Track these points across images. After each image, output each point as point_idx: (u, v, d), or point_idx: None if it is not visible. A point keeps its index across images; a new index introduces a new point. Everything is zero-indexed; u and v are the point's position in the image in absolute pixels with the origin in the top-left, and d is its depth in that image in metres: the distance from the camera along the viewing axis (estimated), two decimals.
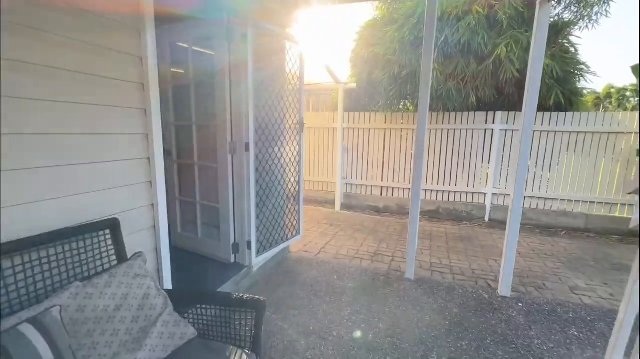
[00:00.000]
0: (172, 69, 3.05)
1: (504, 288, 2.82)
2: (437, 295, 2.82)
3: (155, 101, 1.77)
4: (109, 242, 1.47)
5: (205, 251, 3.09)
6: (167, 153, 3.18)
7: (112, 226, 1.49)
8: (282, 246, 3.29)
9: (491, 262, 3.62)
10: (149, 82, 1.72)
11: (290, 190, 3.41)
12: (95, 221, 1.47)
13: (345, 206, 6.11)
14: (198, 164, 3.02)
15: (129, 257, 1.52)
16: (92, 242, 1.41)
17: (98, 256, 1.43)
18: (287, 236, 3.39)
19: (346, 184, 6.15)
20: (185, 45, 2.85)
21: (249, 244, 2.86)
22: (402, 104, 5.97)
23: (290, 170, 3.33)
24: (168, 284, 1.97)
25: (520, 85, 4.55)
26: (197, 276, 2.71)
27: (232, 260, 2.94)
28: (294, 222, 3.48)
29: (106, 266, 1.45)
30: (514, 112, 4.96)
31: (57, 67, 1.39)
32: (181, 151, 3.20)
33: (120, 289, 1.35)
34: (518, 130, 4.94)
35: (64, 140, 1.44)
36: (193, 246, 3.17)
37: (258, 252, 2.93)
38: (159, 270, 1.91)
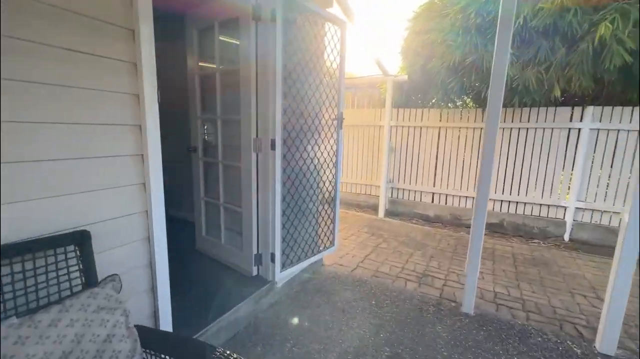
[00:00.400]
0: (200, 62, 2.79)
1: (607, 343, 2.06)
2: (506, 342, 2.16)
3: (151, 85, 1.43)
4: (72, 262, 1.14)
5: (226, 259, 2.77)
6: (193, 150, 2.96)
7: (80, 240, 1.17)
8: (312, 260, 2.86)
9: (579, 299, 2.80)
10: (142, 61, 1.38)
11: (324, 194, 2.96)
12: (57, 233, 1.16)
13: (390, 213, 5.49)
14: (222, 162, 2.72)
15: (102, 280, 1.20)
16: (47, 262, 1.09)
17: (54, 281, 1.11)
18: (318, 248, 2.95)
19: (392, 188, 5.53)
20: (212, 33, 2.56)
21: (272, 256, 2.47)
22: (460, 100, 5.17)
23: (325, 171, 2.88)
24: (165, 309, 1.64)
25: (625, 72, 3.56)
26: (213, 289, 2.39)
27: (254, 273, 2.58)
28: (328, 232, 3.03)
29: (66, 294, 1.13)
30: (610, 107, 3.94)
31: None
32: (207, 148, 2.94)
33: (72, 329, 1.02)
34: (618, 130, 3.93)
35: (22, 129, 1.12)
36: (215, 253, 2.88)
37: (283, 267, 2.53)
38: (153, 290, 1.58)
